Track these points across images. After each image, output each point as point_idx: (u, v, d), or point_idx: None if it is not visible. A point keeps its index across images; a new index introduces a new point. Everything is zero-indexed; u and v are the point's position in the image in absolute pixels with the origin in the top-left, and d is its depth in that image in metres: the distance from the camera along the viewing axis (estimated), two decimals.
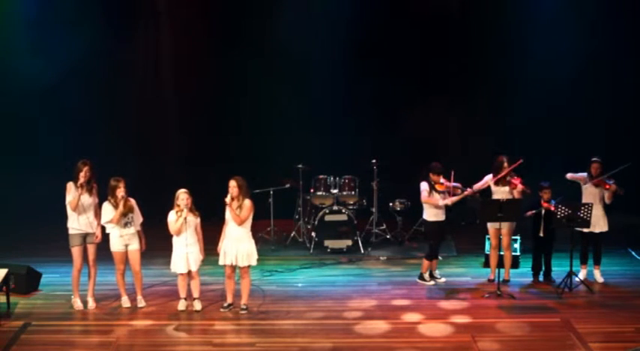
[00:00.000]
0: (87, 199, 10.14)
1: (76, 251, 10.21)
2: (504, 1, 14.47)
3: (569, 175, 11.25)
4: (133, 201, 10.25)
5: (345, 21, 14.33)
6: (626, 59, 14.19)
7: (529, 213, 11.12)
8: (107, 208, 10.12)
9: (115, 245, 10.20)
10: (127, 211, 10.13)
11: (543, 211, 11.05)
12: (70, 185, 10.10)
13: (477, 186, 11.10)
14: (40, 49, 14.08)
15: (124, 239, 10.16)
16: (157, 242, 10.60)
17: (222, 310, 10.21)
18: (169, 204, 10.12)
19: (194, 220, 10.11)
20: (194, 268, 10.15)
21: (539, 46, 14.17)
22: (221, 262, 10.09)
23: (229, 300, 10.23)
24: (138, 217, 10.28)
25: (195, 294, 10.26)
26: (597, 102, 14.31)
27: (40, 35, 14.05)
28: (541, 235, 11.14)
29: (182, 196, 10.03)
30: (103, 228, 10.26)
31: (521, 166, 10.88)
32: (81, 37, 14.09)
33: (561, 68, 14.12)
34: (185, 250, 10.09)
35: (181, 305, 10.29)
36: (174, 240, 10.13)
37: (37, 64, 14.07)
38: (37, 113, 14.30)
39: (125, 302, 10.35)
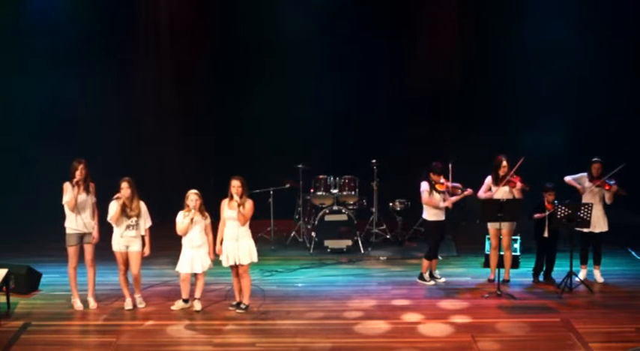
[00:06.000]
0: (84, 199, 10.12)
1: (72, 250, 10.20)
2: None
3: (567, 179, 11.21)
4: (143, 206, 10.19)
5: (347, 20, 14.34)
6: (627, 59, 14.20)
7: (537, 215, 11.06)
8: (113, 205, 10.09)
9: (115, 245, 10.18)
10: (135, 214, 10.08)
11: (547, 213, 11.03)
12: (67, 185, 10.08)
13: (482, 194, 11.04)
14: (40, 50, 14.12)
15: (124, 240, 10.15)
16: (157, 242, 10.58)
17: (230, 308, 10.23)
18: (170, 204, 10.10)
19: (203, 222, 10.11)
20: (198, 271, 10.16)
21: (541, 45, 14.18)
22: (225, 264, 10.09)
23: (238, 298, 10.25)
24: (145, 222, 10.22)
25: (197, 294, 10.25)
26: (597, 102, 14.30)
27: (40, 37, 14.10)
28: (545, 235, 11.12)
29: (192, 196, 10.03)
30: (104, 228, 10.26)
31: (523, 167, 10.87)
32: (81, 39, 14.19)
33: (562, 68, 14.13)
34: (191, 251, 10.11)
35: (176, 305, 10.30)
36: (183, 240, 10.16)
37: (38, 65, 14.12)
38: (38, 113, 14.29)
39: (128, 304, 10.31)
